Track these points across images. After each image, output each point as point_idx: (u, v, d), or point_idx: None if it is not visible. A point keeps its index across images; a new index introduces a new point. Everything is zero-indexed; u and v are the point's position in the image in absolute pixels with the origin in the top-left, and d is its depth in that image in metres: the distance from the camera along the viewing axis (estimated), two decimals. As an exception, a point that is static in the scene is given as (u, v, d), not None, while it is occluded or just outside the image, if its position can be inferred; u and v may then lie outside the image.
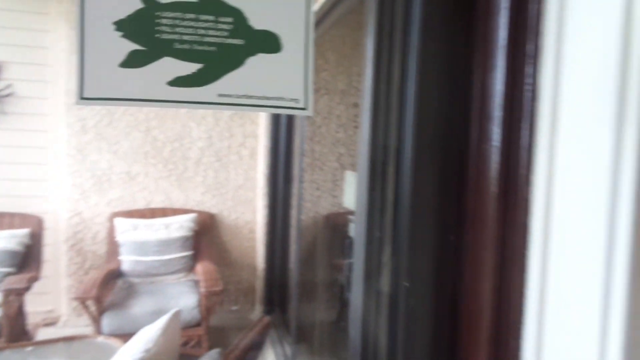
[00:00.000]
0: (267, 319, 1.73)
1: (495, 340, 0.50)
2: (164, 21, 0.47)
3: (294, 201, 2.51)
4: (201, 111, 2.73)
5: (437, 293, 0.54)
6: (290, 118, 2.51)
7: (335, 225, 2.39)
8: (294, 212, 2.53)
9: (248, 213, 2.89)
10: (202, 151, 2.76)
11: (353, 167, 2.21)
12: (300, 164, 2.41)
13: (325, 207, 2.47)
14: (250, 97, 0.50)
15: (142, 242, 2.49)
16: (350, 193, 1.96)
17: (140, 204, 2.71)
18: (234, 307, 2.86)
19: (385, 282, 0.92)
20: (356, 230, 1.21)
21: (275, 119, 2.60)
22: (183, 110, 2.71)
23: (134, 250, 2.48)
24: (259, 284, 2.82)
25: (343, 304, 2.10)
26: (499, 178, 0.50)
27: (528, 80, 0.47)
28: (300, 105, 0.51)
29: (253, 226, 2.90)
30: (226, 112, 2.78)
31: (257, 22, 0.49)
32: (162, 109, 2.66)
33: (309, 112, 0.51)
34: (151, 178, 2.70)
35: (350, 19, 1.54)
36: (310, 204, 2.46)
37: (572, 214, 0.45)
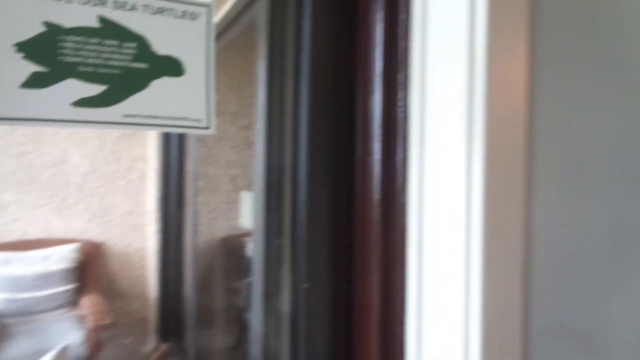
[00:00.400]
0: (165, 346, 1.69)
1: (384, 328, 0.58)
2: (68, 44, 0.49)
3: (188, 225, 2.47)
4: (83, 134, 2.59)
5: (333, 291, 0.60)
6: (181, 140, 2.48)
7: (231, 248, 2.39)
8: (188, 237, 2.49)
9: (138, 240, 2.78)
10: (85, 176, 2.61)
11: (247, 187, 2.24)
12: (193, 186, 2.39)
13: (221, 230, 2.46)
14: (156, 117, 0.53)
15: (15, 278, 2.28)
16: (247, 213, 1.99)
17: (13, 236, 2.48)
18: (126, 341, 2.71)
19: (284, 293, 0.97)
20: (255, 248, 1.24)
21: (166, 141, 2.56)
22: (63, 133, 2.55)
23: (6, 288, 2.26)
24: (152, 314, 2.70)
25: (242, 328, 2.10)
26: (380, 187, 0.58)
27: (400, 103, 0.55)
28: (203, 125, 0.55)
29: (144, 253, 2.79)
30: (112, 135, 2.67)
31: (161, 47, 0.53)
32: (38, 132, 2.48)
33: (211, 131, 0.55)
34: (26, 207, 2.49)
35: (240, 42, 1.59)
36: (205, 228, 2.43)
37: (439, 215, 0.54)
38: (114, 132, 2.70)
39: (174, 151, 2.50)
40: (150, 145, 2.74)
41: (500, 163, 0.51)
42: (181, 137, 2.46)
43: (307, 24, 0.59)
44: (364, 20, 0.58)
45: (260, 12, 1.10)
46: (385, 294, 0.58)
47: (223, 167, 2.41)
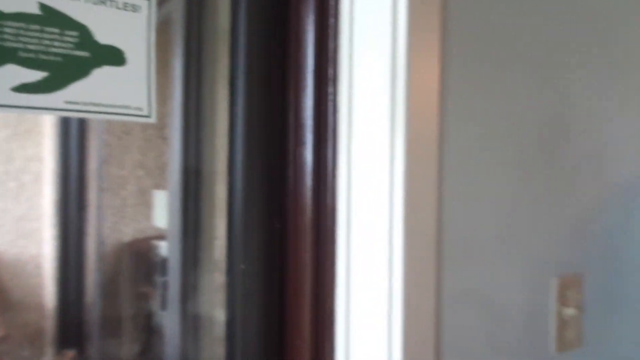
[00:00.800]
0: (69, 353, 1.61)
1: (316, 301, 0.64)
2: (7, 30, 0.49)
3: (91, 229, 2.36)
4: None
5: (268, 270, 0.65)
6: (82, 138, 2.37)
7: (140, 251, 2.32)
8: (90, 242, 2.37)
9: (32, 246, 2.59)
10: (-31, 179, 2.39)
11: (157, 186, 2.19)
12: (96, 188, 2.29)
13: (128, 233, 2.38)
14: (97, 105, 0.54)
15: None
16: (161, 212, 1.95)
17: None
18: (24, 353, 2.51)
19: (205, 287, 0.99)
20: (170, 247, 1.24)
21: (65, 140, 2.42)
22: (-58, 132, 2.31)
23: None
24: (50, 325, 2.53)
25: (151, 332, 2.04)
26: (312, 173, 0.63)
27: (330, 97, 0.62)
28: (145, 113, 0.57)
29: (39, 261, 2.60)
30: (1, 133, 2.47)
31: (102, 37, 0.54)
32: None
33: (152, 120, 0.58)
34: None
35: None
36: (110, 231, 2.34)
37: (365, 198, 0.61)
38: (2, 131, 2.50)
39: (73, 151, 2.38)
40: (46, 144, 2.57)
41: (417, 152, 0.59)
42: (82, 136, 2.34)
43: (242, 22, 0.63)
44: (296, 21, 0.64)
45: (176, 9, 1.11)
46: (317, 271, 0.64)
47: (129, 167, 2.33)
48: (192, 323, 1.08)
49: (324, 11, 0.61)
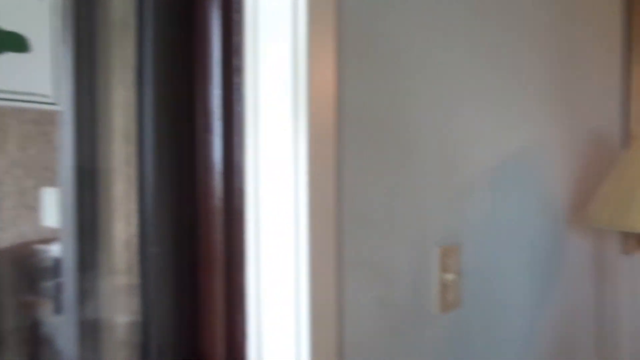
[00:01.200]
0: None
1: (227, 279, 0.68)
2: None
3: (-38, 236, 2.14)
4: None
5: (180, 251, 0.68)
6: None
7: (22, 256, 2.16)
8: (-38, 249, 2.16)
9: None
10: None
11: (43, 185, 2.05)
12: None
13: (6, 238, 2.20)
14: (1, 91, 0.54)
15: None
16: (52, 211, 1.83)
17: None
18: None
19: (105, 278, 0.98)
20: (64, 246, 1.20)
21: None
22: None
23: None
24: None
25: (39, 343, 1.92)
26: (221, 158, 0.68)
27: (236, 86, 0.67)
28: (50, 100, 0.58)
29: None
30: None
31: (6, 24, 0.54)
32: None
33: (59, 107, 0.58)
34: None
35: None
36: (-14, 236, 2.14)
37: (272, 180, 0.67)
38: None
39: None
40: None
41: (318, 136, 0.66)
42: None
43: (148, 12, 0.66)
44: (202, 16, 0.67)
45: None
46: (227, 249, 0.69)
47: (5, 167, 2.15)
48: (94, 320, 1.06)
49: (228, 7, 0.66)
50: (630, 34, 2.12)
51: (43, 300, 1.89)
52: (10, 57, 0.54)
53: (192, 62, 0.68)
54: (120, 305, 0.85)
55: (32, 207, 2.08)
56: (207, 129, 0.68)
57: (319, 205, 0.67)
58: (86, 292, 1.10)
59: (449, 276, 0.95)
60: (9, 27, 0.54)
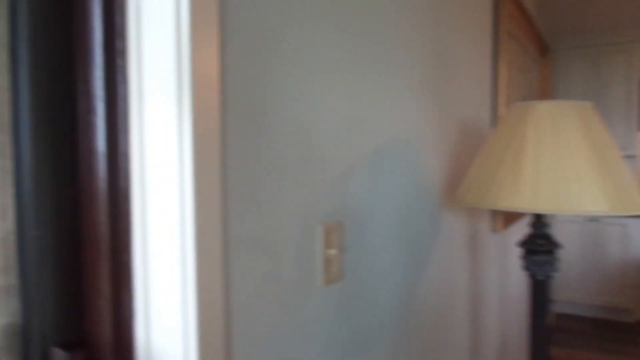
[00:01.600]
0: None
1: (113, 258, 0.69)
2: None
3: None
4: None
5: (63, 234, 0.68)
6: None
7: None
8: None
9: None
10: None
11: None
12: None
13: None
14: None
15: None
16: None
17: None
18: None
19: None
20: None
21: None
22: None
23: None
24: None
25: None
26: (104, 139, 0.68)
27: (120, 68, 0.67)
28: None
29: None
30: None
31: None
32: None
33: None
34: None
35: None
36: None
37: (157, 161, 0.69)
38: None
39: None
40: None
41: (202, 120, 0.69)
42: None
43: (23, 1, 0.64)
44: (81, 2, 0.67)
45: None
46: (113, 229, 0.69)
47: None
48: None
49: (110, -12, 0.66)
50: (497, 35, 2.38)
51: None
52: None
53: (72, 42, 0.68)
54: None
55: None
56: (89, 110, 0.68)
57: (205, 185, 0.70)
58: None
59: (332, 251, 1.02)
60: None
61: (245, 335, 0.81)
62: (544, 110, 1.37)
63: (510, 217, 2.68)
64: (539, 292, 1.55)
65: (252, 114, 0.81)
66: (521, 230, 3.14)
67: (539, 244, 1.53)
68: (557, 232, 4.85)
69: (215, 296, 0.75)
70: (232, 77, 0.76)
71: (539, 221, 1.54)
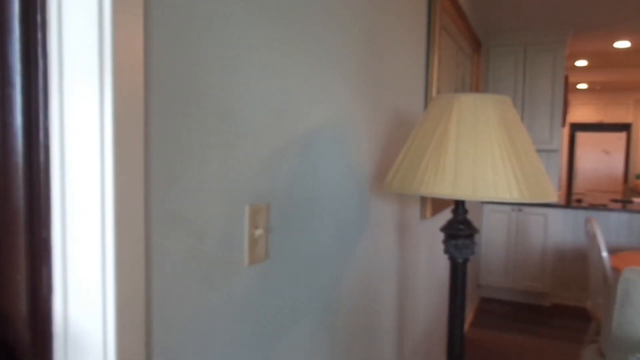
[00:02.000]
0: None
1: (30, 234, 0.69)
2: None
3: None
4: None
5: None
6: None
7: None
8: None
9: None
10: None
11: None
12: None
13: None
14: None
15: None
16: None
17: None
18: None
19: None
20: None
21: None
22: None
23: None
24: None
25: None
26: (22, 113, 0.67)
27: (40, 42, 0.66)
28: None
29: None
30: None
31: None
32: None
33: None
34: None
35: None
36: None
37: (78, 136, 0.69)
38: None
39: None
40: None
41: (125, 95, 0.69)
42: None
43: None
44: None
45: None
46: (30, 205, 0.69)
47: None
48: None
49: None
50: (432, 29, 2.47)
51: None
52: None
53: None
54: None
55: None
56: (6, 84, 0.67)
57: (126, 161, 0.71)
58: None
59: (258, 231, 1.06)
60: None
61: (168, 312, 0.83)
62: (466, 102, 1.46)
63: (438, 205, 2.82)
64: (458, 273, 1.66)
65: (177, 93, 0.82)
66: (447, 217, 3.31)
67: (459, 229, 1.63)
68: (485, 221, 5.13)
69: (135, 272, 0.76)
70: (157, 55, 0.77)
71: (459, 207, 1.64)
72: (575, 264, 5.02)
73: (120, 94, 0.68)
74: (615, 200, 5.80)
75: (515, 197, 1.37)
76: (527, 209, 4.99)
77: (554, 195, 1.46)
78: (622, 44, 5.23)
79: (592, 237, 3.29)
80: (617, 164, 9.12)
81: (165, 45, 0.79)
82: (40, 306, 0.73)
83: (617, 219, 4.83)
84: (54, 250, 0.71)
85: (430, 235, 2.79)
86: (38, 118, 0.68)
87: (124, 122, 0.69)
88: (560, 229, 5.03)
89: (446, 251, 1.67)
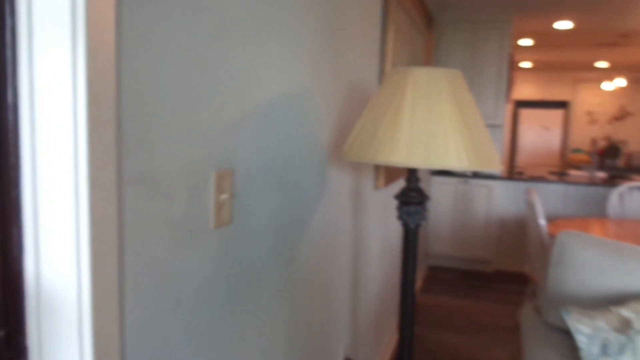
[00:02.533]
0: None
1: (0, 189, 0.69)
2: None
3: None
4: None
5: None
6: None
7: None
8: None
9: None
10: None
11: None
12: None
13: None
14: None
15: None
16: None
17: None
18: None
19: None
20: None
21: None
22: None
23: None
24: None
25: None
26: (-10, 72, 0.67)
27: (9, 15, 0.66)
28: None
29: None
30: None
31: None
32: None
33: None
34: None
35: None
36: None
37: (49, 94, 0.69)
38: None
39: None
40: None
41: (96, 56, 0.70)
42: None
43: None
44: None
45: None
46: (1, 165, 0.69)
47: None
48: None
49: None
50: (387, 3, 2.52)
51: None
52: None
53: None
54: None
55: None
56: (-29, 41, 0.66)
57: (98, 120, 0.72)
58: None
59: (223, 196, 1.09)
60: None
61: (138, 269, 0.86)
62: (420, 75, 1.52)
63: (391, 176, 2.92)
64: (410, 238, 1.75)
65: (147, 58, 0.83)
66: (399, 188, 3.43)
67: (412, 196, 1.72)
68: (434, 193, 5.33)
69: (107, 231, 0.78)
70: (128, 18, 0.77)
71: (412, 175, 1.72)
72: (516, 232, 5.33)
73: (92, 53, 0.68)
74: (553, 173, 6.16)
75: (464, 165, 1.46)
76: (472, 181, 5.22)
77: (499, 164, 1.57)
78: (565, 25, 5.48)
79: (531, 207, 3.50)
80: (555, 139, 9.63)
81: (137, 10, 0.79)
82: (11, 266, 0.74)
83: (554, 190, 5.15)
84: (25, 209, 0.72)
85: (383, 204, 2.89)
86: (7, 75, 0.68)
87: (96, 80, 0.69)
88: (502, 200, 5.30)
89: (399, 217, 1.76)
